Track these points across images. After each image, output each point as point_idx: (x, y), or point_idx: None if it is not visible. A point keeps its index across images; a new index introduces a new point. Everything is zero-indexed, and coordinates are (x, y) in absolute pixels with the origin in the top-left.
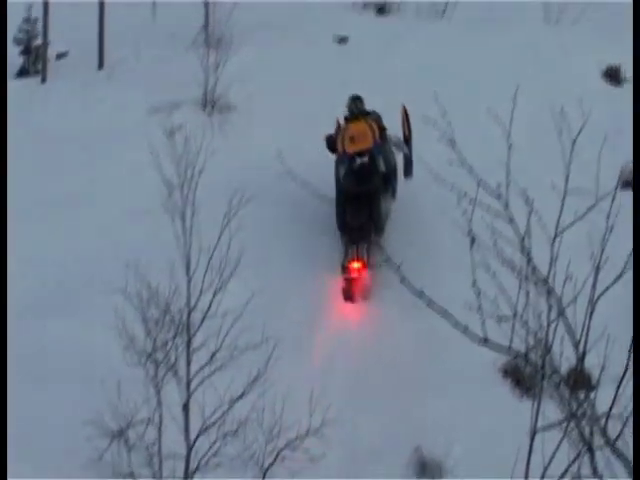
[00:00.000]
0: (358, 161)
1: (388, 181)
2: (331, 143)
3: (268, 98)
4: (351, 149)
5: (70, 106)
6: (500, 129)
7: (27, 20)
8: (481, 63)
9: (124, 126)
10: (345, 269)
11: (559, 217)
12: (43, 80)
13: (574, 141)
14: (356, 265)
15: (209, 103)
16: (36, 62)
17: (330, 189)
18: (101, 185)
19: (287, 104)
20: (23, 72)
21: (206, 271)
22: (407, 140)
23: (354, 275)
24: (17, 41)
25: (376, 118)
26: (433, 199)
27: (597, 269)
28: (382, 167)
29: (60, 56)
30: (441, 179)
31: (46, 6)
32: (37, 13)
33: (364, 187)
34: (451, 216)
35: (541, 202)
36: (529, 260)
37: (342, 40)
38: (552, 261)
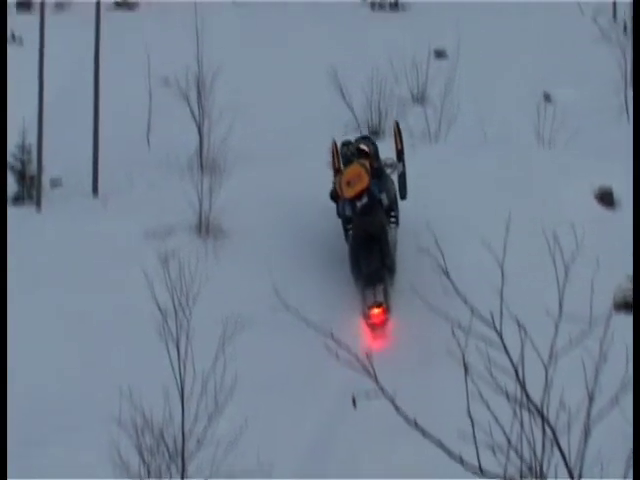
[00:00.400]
0: (358, 204)
1: (391, 211)
2: (335, 196)
3: (263, 223)
4: (349, 194)
5: (65, 234)
6: (493, 257)
7: (21, 147)
8: (474, 186)
9: (119, 252)
10: (367, 316)
11: (553, 343)
12: (38, 207)
13: (567, 266)
14: (377, 311)
15: (204, 228)
16: (31, 189)
17: (323, 315)
18: (95, 311)
19: (282, 230)
20: (18, 199)
21: (200, 397)
22: (400, 155)
23: (376, 321)
24: (12, 168)
25: (371, 153)
26: (427, 328)
27: (591, 396)
28: (385, 201)
29: (55, 183)
30: (435, 308)
31: (40, 133)
32: (31, 139)
33: (371, 228)
34: (445, 345)
35: (535, 328)
36: (523, 388)
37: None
38: (546, 388)
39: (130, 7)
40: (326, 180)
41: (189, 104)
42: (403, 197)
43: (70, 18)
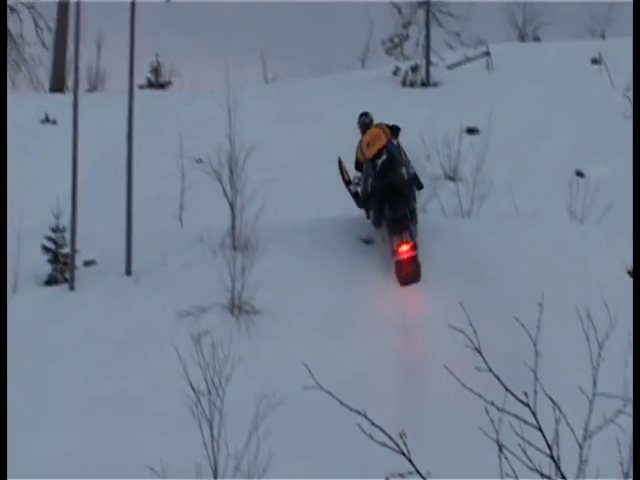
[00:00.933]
0: (379, 162)
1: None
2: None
3: (295, 300)
4: (369, 153)
5: (98, 313)
6: (527, 335)
7: (55, 229)
8: (506, 264)
9: (151, 332)
10: (395, 253)
11: (587, 421)
12: (71, 288)
13: (601, 344)
14: (405, 247)
15: (236, 307)
16: (64, 270)
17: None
18: (128, 391)
19: (314, 308)
20: (51, 281)
21: (234, 477)
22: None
23: (404, 256)
24: (45, 250)
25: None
26: (460, 405)
27: (626, 474)
28: (403, 159)
29: (88, 264)
30: (468, 386)
31: (74, 214)
32: (65, 222)
33: (392, 179)
34: (479, 422)
35: (569, 406)
36: (558, 467)
37: (367, 242)
38: (581, 466)
39: (162, 86)
40: (360, 254)
41: (221, 182)
42: None
43: (103, 98)
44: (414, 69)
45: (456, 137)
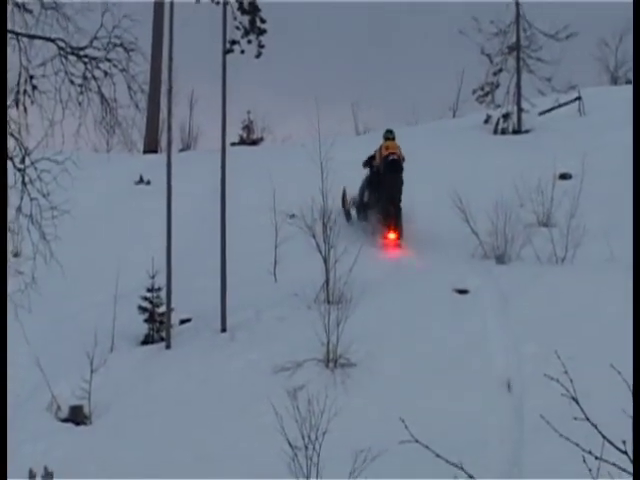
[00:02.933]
0: (390, 157)
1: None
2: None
3: (390, 353)
4: (385, 152)
5: (194, 370)
6: (623, 380)
7: (151, 290)
8: (603, 310)
9: (248, 387)
10: (385, 239)
11: None
12: (167, 347)
13: None
14: (392, 236)
15: (332, 360)
16: (160, 330)
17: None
18: (226, 447)
19: (410, 360)
20: (148, 340)
21: None
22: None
23: (391, 243)
24: (142, 310)
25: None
26: (558, 454)
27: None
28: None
29: (184, 322)
30: (565, 435)
31: (169, 274)
32: (160, 281)
33: (397, 173)
34: (576, 472)
35: None
36: None
37: (462, 292)
38: None
39: (254, 142)
40: (455, 305)
41: (315, 237)
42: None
43: (196, 156)
44: (505, 116)
45: (549, 183)
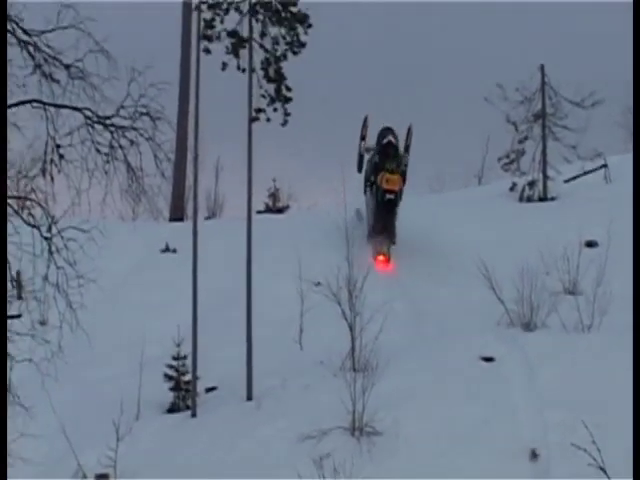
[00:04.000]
0: (387, 197)
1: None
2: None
3: (416, 421)
4: (386, 186)
5: (220, 438)
6: None
7: (176, 358)
8: (630, 378)
9: (273, 456)
10: (375, 260)
11: None
12: (193, 415)
13: None
14: (381, 258)
15: (357, 429)
16: (186, 398)
17: None
18: None
19: (436, 427)
20: (173, 408)
21: None
22: (407, 148)
23: (380, 265)
24: (167, 377)
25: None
26: None
27: None
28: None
29: (209, 390)
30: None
31: (194, 343)
32: (186, 350)
33: (392, 212)
34: None
35: None
36: None
37: (488, 359)
38: None
39: (280, 210)
40: (482, 373)
41: (340, 305)
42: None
43: (221, 224)
44: (531, 184)
45: (575, 251)
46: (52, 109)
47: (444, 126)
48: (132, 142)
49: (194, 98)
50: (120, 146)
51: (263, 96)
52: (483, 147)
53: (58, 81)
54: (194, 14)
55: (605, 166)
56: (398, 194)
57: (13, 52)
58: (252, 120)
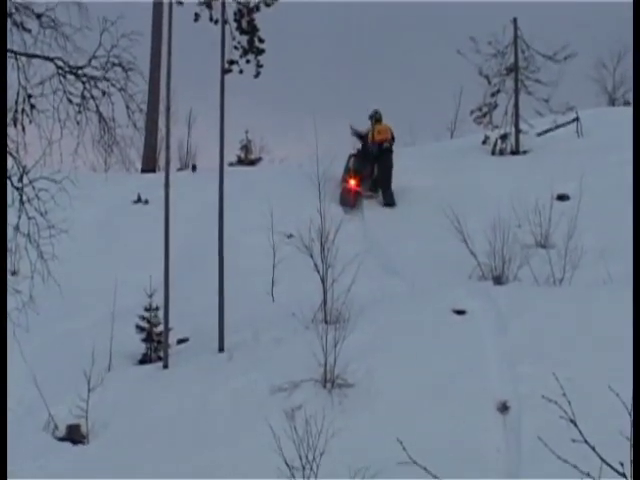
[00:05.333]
0: (384, 145)
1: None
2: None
3: (388, 373)
4: (378, 137)
5: (191, 390)
6: (621, 402)
7: (148, 309)
8: (601, 332)
9: (245, 408)
10: (344, 181)
11: None
12: (165, 366)
13: None
14: (352, 182)
15: (329, 381)
16: (158, 349)
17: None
18: (222, 466)
19: (407, 379)
20: (145, 359)
21: None
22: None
23: (350, 187)
24: (139, 329)
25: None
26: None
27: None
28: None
29: (181, 341)
30: (563, 458)
31: (166, 294)
32: (158, 301)
33: (388, 159)
34: None
35: None
36: None
37: (460, 312)
38: None
39: (252, 162)
40: (453, 326)
41: (312, 257)
42: None
43: (193, 176)
44: (503, 137)
45: (547, 204)
46: (23, 58)
47: (416, 79)
48: (104, 93)
49: (166, 49)
50: (92, 96)
51: (236, 47)
52: (455, 100)
53: (30, 30)
54: None
55: (577, 120)
56: (391, 143)
57: None
58: (225, 72)
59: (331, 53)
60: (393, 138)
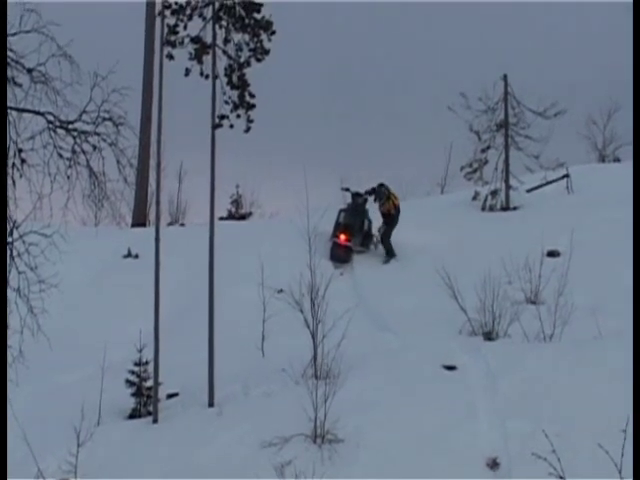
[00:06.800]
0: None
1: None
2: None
3: (378, 429)
4: (397, 202)
5: (181, 445)
6: (610, 459)
7: (138, 363)
8: (590, 388)
9: (234, 462)
10: (335, 236)
11: None
12: (154, 421)
13: None
14: (343, 237)
15: (319, 436)
16: (147, 404)
17: None
18: None
19: (397, 435)
20: (135, 414)
21: None
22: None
23: (341, 242)
24: (129, 383)
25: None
26: None
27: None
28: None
29: (171, 396)
30: None
31: (156, 348)
32: (148, 355)
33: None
34: None
35: None
36: None
37: (450, 368)
38: None
39: (243, 217)
40: (444, 382)
41: (303, 312)
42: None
43: (184, 230)
44: (493, 193)
45: (537, 260)
46: (14, 113)
47: (407, 134)
48: (95, 147)
49: (157, 104)
50: (82, 151)
51: (226, 102)
52: (446, 156)
53: (20, 85)
54: (157, 20)
55: (567, 176)
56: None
57: None
58: (215, 127)
59: (322, 107)
60: (395, 210)
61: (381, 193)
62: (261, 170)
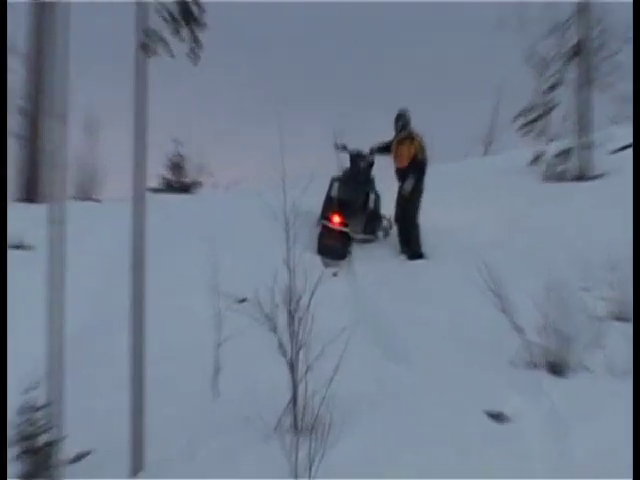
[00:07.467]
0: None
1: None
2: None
3: None
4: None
5: None
6: None
7: (28, 408)
8: None
9: None
10: (326, 218)
11: None
12: None
13: None
14: (337, 219)
15: None
16: (43, 467)
17: None
18: None
19: None
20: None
21: None
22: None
23: (334, 226)
24: (12, 440)
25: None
26: None
27: None
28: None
29: (79, 457)
30: None
31: (57, 387)
32: (44, 397)
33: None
34: None
35: None
36: None
37: (497, 416)
38: None
39: (186, 188)
40: (484, 441)
41: (276, 332)
42: None
43: (98, 208)
44: (563, 154)
45: (628, 257)
46: None
47: (432, 72)
48: None
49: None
50: None
51: (164, 19)
52: (492, 101)
53: None
54: None
55: None
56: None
57: None
58: (144, 49)
59: (319, 46)
60: (419, 161)
61: (406, 119)
62: (215, 122)
